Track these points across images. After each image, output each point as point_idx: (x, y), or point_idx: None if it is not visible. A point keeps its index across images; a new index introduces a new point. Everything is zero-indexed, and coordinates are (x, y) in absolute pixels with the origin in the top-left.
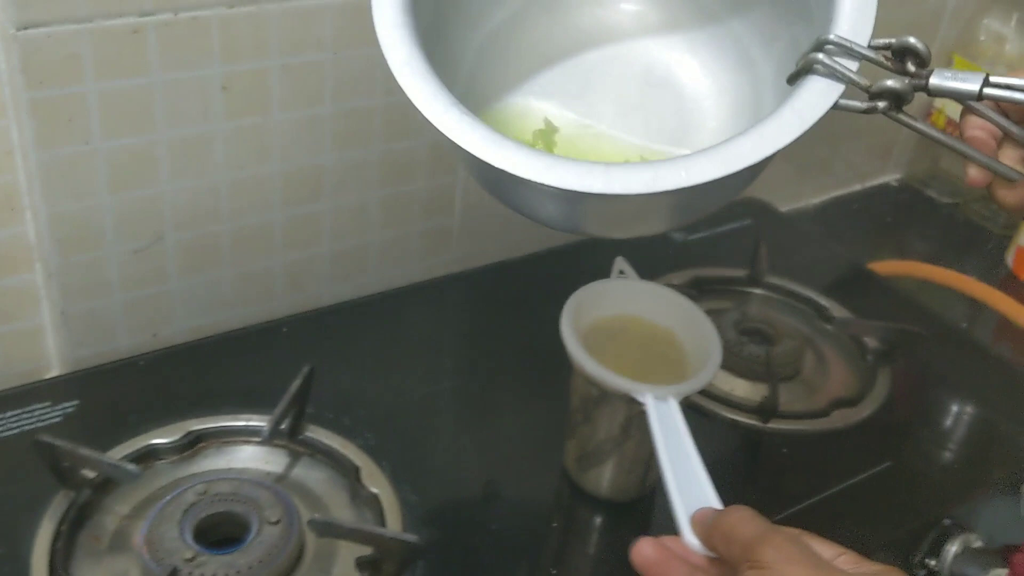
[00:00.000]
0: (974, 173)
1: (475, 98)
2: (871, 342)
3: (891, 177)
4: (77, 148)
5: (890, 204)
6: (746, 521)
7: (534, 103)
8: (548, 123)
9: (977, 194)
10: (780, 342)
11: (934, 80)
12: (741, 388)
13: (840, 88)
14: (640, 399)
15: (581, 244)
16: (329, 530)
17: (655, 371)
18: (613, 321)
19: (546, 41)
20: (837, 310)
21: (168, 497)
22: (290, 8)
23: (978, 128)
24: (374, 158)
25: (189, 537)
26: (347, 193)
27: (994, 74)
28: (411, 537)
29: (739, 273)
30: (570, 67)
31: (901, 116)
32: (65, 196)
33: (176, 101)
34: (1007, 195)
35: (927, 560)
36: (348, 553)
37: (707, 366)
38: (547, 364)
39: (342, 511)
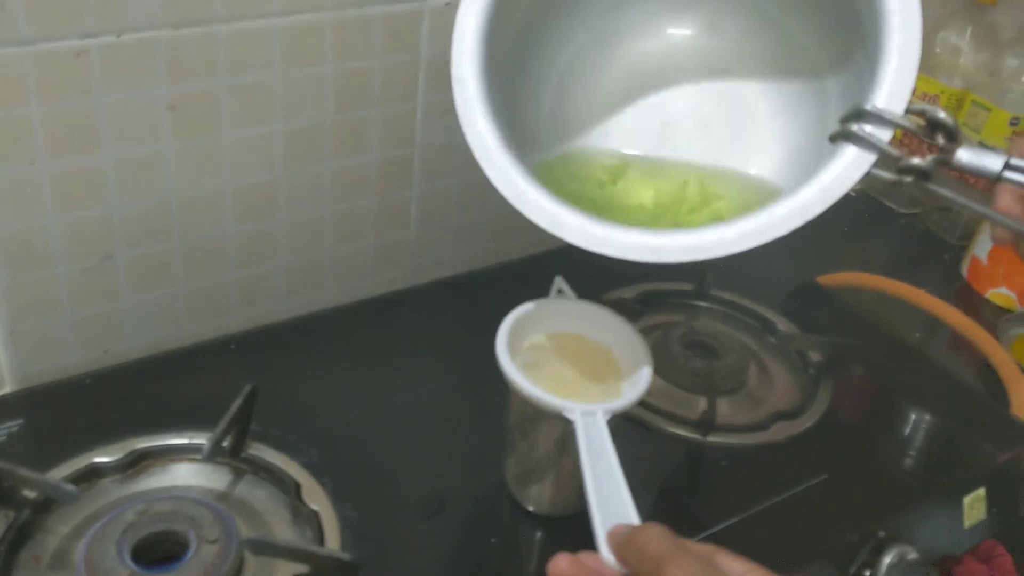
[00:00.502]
0: (1001, 234)
1: (556, 130)
2: (814, 355)
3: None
4: (22, 168)
5: (849, 214)
6: (657, 539)
7: (610, 139)
8: (621, 159)
9: (936, 203)
10: (724, 356)
11: (958, 157)
12: (685, 402)
13: (872, 158)
14: (569, 416)
15: (537, 258)
16: (264, 548)
17: (591, 389)
18: (551, 340)
19: (613, 73)
20: (782, 323)
21: (107, 516)
22: (237, 29)
23: (1008, 193)
24: (327, 174)
25: (127, 556)
26: (300, 209)
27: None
28: (345, 555)
29: (687, 287)
30: (640, 94)
31: (929, 187)
32: (11, 216)
33: (122, 121)
34: None
35: (863, 572)
36: (286, 570)
37: (637, 385)
38: (495, 380)
39: (283, 528)
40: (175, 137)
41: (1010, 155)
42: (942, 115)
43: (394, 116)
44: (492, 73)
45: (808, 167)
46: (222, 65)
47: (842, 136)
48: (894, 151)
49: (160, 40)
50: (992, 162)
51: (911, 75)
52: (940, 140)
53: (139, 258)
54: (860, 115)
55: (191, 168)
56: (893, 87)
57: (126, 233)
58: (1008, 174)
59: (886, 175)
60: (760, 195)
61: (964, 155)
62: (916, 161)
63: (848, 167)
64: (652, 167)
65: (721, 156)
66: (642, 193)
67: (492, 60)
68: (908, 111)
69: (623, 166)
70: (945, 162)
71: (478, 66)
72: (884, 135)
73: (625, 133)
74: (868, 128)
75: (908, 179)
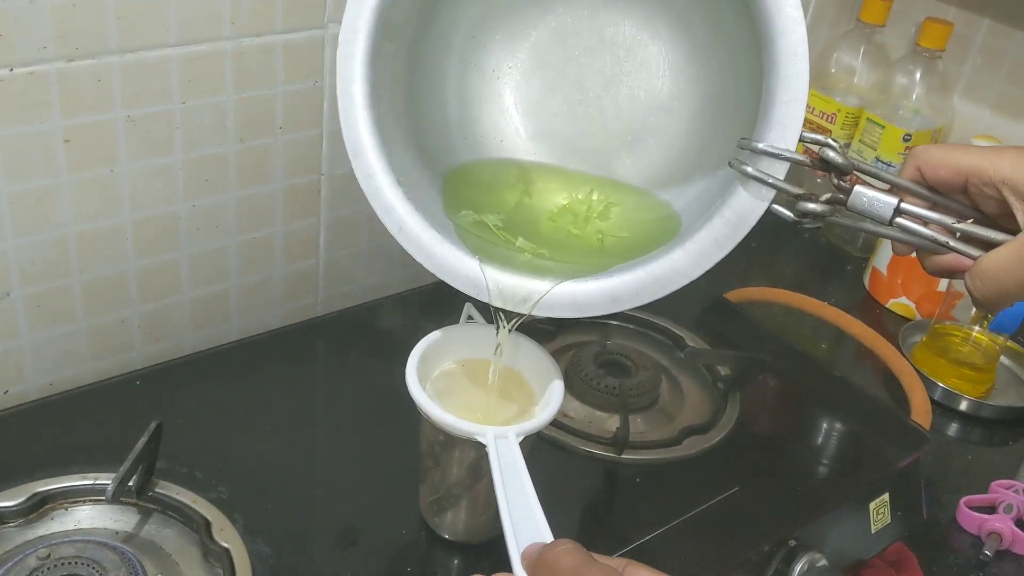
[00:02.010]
0: (900, 248)
1: (467, 135)
2: (723, 370)
3: None
4: None
5: (754, 229)
6: (567, 554)
7: (516, 145)
8: (523, 172)
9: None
10: (637, 373)
11: (851, 202)
12: (599, 420)
13: (772, 193)
14: (481, 440)
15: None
16: None
17: (504, 414)
18: (462, 366)
19: (508, 78)
20: (692, 339)
21: (9, 563)
22: (133, 60)
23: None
24: (230, 204)
25: None
26: (204, 240)
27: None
28: None
29: None
30: (541, 77)
31: (831, 220)
32: None
33: (16, 156)
34: (931, 263)
35: None
36: None
37: (549, 406)
38: (409, 408)
39: (192, 568)
40: (71, 171)
41: (900, 199)
42: (831, 155)
43: (299, 144)
44: (388, 104)
45: (704, 175)
46: (118, 97)
47: (738, 172)
48: (793, 189)
49: (53, 72)
50: (884, 207)
51: (801, 105)
52: (833, 179)
53: (37, 295)
54: (752, 150)
55: (89, 202)
56: (784, 120)
57: (23, 270)
58: (899, 220)
59: (786, 213)
60: (646, 202)
61: (858, 199)
62: (812, 206)
63: (750, 203)
64: (558, 175)
65: (613, 163)
66: (556, 200)
67: (383, 96)
68: (803, 140)
69: (529, 172)
70: (840, 202)
71: (371, 128)
72: (779, 171)
73: (529, 137)
74: (763, 168)
75: (808, 221)
